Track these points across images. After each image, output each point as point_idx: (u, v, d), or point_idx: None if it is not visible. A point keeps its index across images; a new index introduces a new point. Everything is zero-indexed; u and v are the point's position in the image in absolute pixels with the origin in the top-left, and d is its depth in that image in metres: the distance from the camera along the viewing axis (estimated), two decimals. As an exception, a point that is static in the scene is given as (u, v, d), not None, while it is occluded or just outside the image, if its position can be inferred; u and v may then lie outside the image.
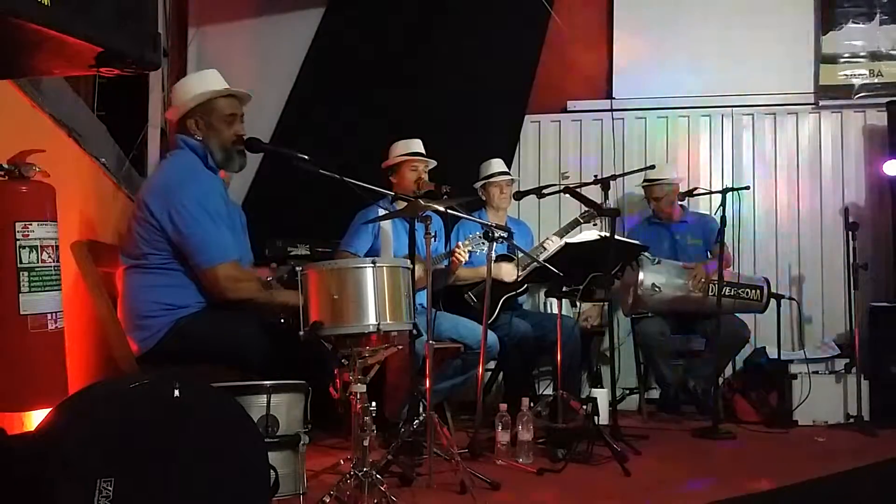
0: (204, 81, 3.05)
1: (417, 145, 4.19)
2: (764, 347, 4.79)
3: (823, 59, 5.25)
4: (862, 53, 5.22)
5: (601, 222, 4.55)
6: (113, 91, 4.09)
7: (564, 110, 5.48)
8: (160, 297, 2.85)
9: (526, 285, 4.48)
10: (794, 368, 4.47)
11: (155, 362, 2.84)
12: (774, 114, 5.34)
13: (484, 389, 4.03)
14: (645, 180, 4.90)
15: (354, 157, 4.38)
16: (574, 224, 4.49)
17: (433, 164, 4.18)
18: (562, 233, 4.47)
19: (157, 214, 2.82)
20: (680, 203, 4.88)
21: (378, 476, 2.56)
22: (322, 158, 2.99)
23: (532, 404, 3.74)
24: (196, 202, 2.84)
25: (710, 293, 4.40)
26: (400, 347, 2.77)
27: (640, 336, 4.67)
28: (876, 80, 5.19)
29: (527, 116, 5.36)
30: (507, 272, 4.27)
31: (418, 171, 4.12)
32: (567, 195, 4.03)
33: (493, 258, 3.66)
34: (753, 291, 4.52)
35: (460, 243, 4.02)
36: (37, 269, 2.39)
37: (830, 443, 4.02)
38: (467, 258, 4.03)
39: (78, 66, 2.06)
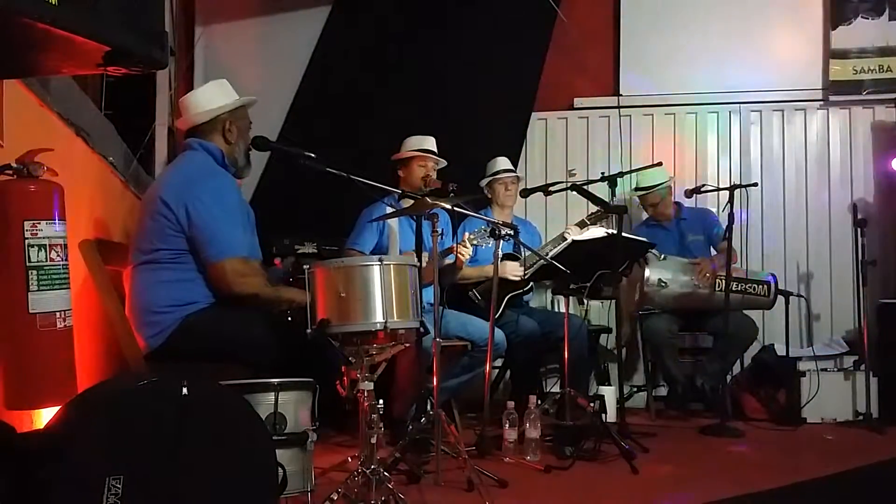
0: (226, 90, 3.13)
1: (430, 143, 4.20)
2: (772, 345, 4.77)
3: (833, 54, 5.22)
4: (871, 49, 5.20)
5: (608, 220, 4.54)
6: (121, 90, 4.10)
7: (571, 107, 5.47)
8: (169, 293, 2.87)
9: (531, 283, 4.47)
10: (802, 366, 4.45)
11: (163, 359, 2.85)
12: (783, 110, 5.33)
13: (491, 387, 4.03)
14: (638, 189, 4.89)
15: (361, 155, 4.39)
16: (597, 216, 4.44)
17: (443, 163, 4.17)
18: (582, 224, 4.43)
19: (172, 207, 2.85)
20: (675, 200, 4.87)
21: (386, 473, 2.56)
22: (328, 156, 3.00)
23: (539, 402, 3.74)
24: (212, 196, 2.89)
25: (716, 289, 4.39)
26: (407, 345, 2.77)
27: (647, 333, 4.66)
28: (885, 76, 5.16)
29: (534, 114, 5.35)
30: (512, 270, 4.26)
31: (427, 169, 4.11)
32: (574, 192, 4.02)
33: (499, 257, 3.65)
34: (761, 287, 4.51)
35: (465, 238, 3.99)
36: (45, 268, 2.40)
37: (839, 440, 4.00)
38: (471, 254, 4.01)
39: (86, 66, 2.07)
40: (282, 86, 5.21)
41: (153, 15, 2.14)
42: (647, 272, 4.41)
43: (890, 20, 5.17)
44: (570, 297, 4.03)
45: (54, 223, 2.43)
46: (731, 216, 4.21)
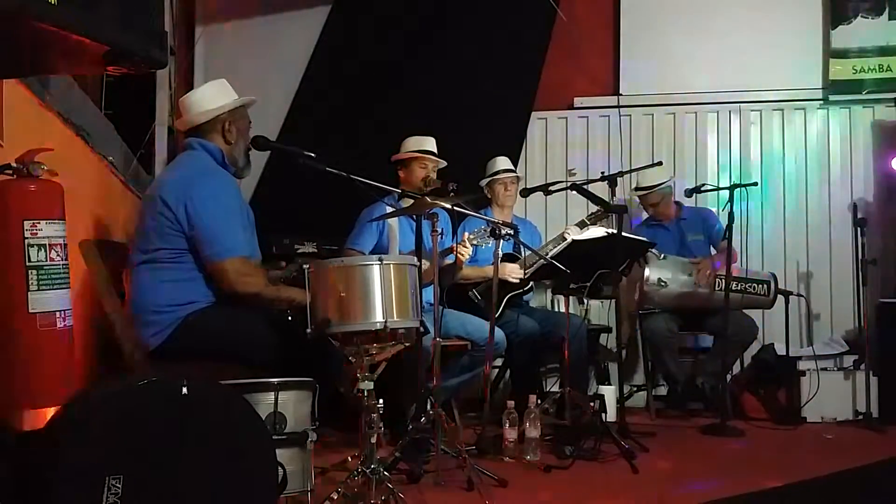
0: (225, 90, 3.13)
1: (430, 143, 4.19)
2: (772, 344, 4.78)
3: (832, 53, 5.22)
4: (871, 48, 5.19)
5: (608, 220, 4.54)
6: (120, 90, 4.11)
7: (571, 107, 5.47)
8: (169, 292, 2.87)
9: (531, 283, 4.47)
10: (802, 365, 4.45)
11: (163, 359, 2.85)
12: (782, 109, 5.33)
13: (491, 386, 4.04)
14: (638, 189, 4.89)
15: (361, 155, 4.39)
16: (597, 216, 4.44)
17: (443, 164, 4.17)
18: (582, 223, 4.43)
19: (172, 207, 2.85)
20: (675, 200, 4.87)
21: (385, 473, 2.57)
22: (328, 156, 3.00)
23: (539, 401, 3.74)
24: (211, 196, 2.89)
25: (716, 288, 4.39)
26: (407, 345, 2.78)
27: (647, 333, 4.66)
28: (885, 76, 5.15)
29: (533, 113, 5.35)
30: (511, 271, 4.26)
31: (427, 169, 4.10)
32: (574, 192, 4.02)
33: (499, 256, 3.65)
34: (760, 286, 4.51)
35: (465, 237, 3.99)
36: (45, 268, 2.40)
37: (839, 440, 4.01)
38: (470, 253, 4.01)
39: (85, 65, 2.07)
40: (282, 86, 5.21)
41: (153, 14, 2.13)
42: (646, 271, 4.42)
43: (890, 19, 5.17)
44: (570, 297, 4.03)
45: (54, 223, 2.43)
46: (731, 216, 4.22)
